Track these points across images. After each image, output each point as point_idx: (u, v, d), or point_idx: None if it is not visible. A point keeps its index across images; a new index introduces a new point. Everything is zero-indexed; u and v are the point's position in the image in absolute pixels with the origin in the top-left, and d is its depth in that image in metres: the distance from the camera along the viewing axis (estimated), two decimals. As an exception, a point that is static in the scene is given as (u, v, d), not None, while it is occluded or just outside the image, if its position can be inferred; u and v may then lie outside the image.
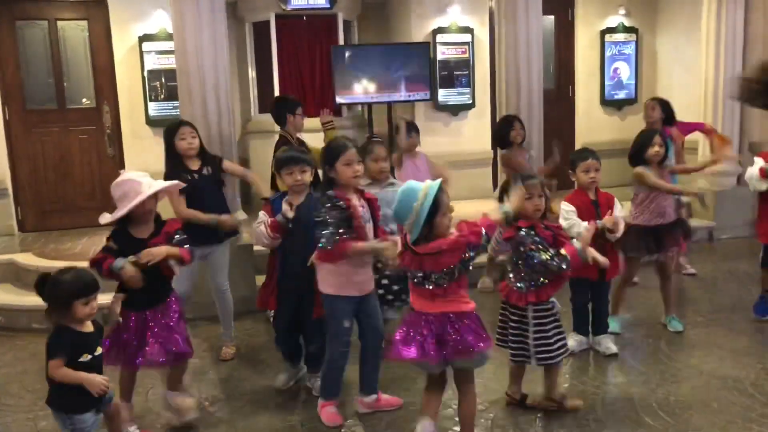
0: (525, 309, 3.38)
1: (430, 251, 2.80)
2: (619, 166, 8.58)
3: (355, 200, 3.34)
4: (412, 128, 5.17)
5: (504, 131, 5.50)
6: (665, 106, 5.52)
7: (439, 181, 2.85)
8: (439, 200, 2.78)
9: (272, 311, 4.19)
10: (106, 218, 3.20)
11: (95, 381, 2.70)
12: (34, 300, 5.19)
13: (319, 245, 3.25)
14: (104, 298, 2.92)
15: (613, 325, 4.45)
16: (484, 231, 2.83)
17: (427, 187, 2.79)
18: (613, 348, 4.16)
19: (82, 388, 2.70)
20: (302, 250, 3.48)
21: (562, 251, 3.30)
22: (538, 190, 3.41)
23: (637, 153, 4.41)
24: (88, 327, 2.81)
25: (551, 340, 3.38)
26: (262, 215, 3.64)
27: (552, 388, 3.50)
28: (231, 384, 4.04)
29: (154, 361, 3.22)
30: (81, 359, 2.72)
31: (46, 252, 6.18)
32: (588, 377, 3.91)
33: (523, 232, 3.35)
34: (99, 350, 2.81)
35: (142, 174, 3.27)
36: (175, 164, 4.20)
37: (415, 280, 2.91)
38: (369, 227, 3.38)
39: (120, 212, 3.14)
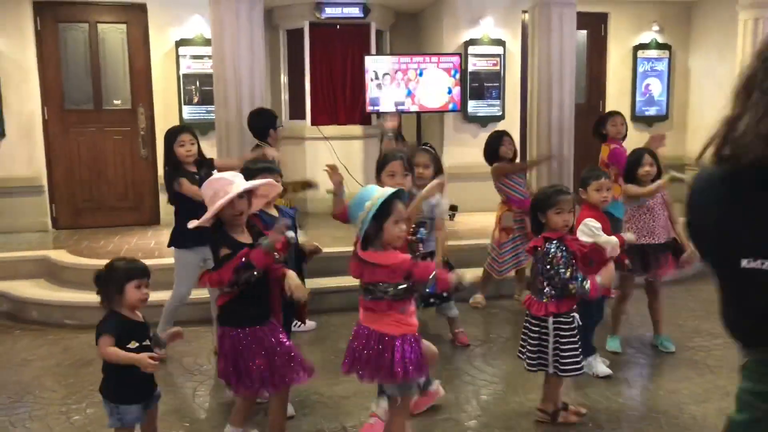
0: (545, 320, 3.37)
1: (369, 260, 2.78)
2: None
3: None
4: (399, 137, 5.17)
5: (494, 146, 5.44)
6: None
7: (396, 189, 2.83)
8: (391, 206, 2.75)
9: None
10: (194, 223, 2.99)
11: (144, 360, 2.72)
12: (67, 295, 5.39)
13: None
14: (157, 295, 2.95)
15: (613, 344, 4.46)
16: (432, 275, 2.80)
17: (383, 191, 2.78)
18: (607, 370, 4.10)
19: (132, 378, 2.76)
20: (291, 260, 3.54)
21: (586, 284, 3.29)
22: (569, 206, 3.39)
23: (628, 173, 4.41)
24: (138, 317, 2.88)
25: (569, 353, 3.37)
26: None
27: (551, 400, 3.50)
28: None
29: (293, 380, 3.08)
30: (129, 345, 2.77)
31: (79, 249, 6.31)
32: (585, 394, 3.90)
33: (553, 246, 3.34)
34: (147, 341, 2.85)
35: (235, 173, 3.08)
36: (175, 167, 4.25)
37: (360, 289, 2.91)
38: None
39: (209, 213, 2.91)
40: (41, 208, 7.37)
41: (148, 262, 5.95)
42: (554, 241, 3.34)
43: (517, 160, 5.55)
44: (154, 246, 6.46)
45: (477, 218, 7.43)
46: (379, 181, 3.35)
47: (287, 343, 3.09)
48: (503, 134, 5.51)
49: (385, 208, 2.74)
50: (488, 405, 3.78)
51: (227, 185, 2.89)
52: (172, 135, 4.31)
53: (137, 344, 2.79)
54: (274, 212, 3.59)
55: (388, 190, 2.79)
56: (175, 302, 4.46)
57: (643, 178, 4.33)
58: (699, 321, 5.06)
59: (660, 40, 8.72)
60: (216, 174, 3.11)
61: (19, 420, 3.64)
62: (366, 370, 2.81)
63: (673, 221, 4.42)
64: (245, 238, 2.96)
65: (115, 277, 2.82)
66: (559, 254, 3.30)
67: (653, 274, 4.40)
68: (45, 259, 6.02)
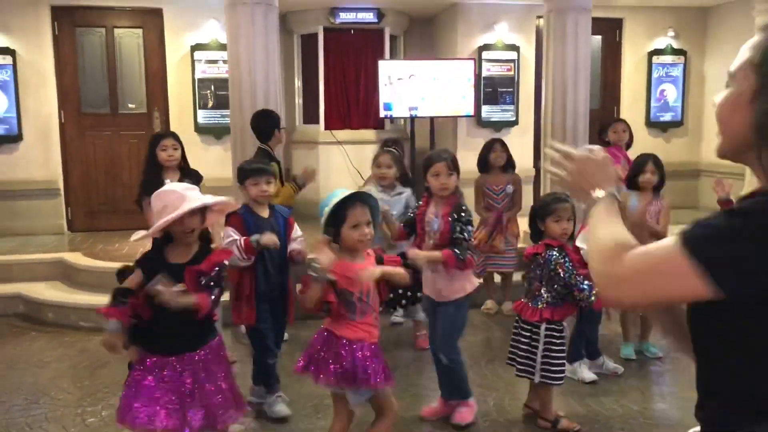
0: (538, 326, 3.41)
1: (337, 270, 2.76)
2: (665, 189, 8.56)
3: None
4: (393, 143, 5.20)
5: (484, 154, 5.43)
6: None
7: (348, 192, 2.80)
8: (345, 213, 2.74)
9: (243, 325, 3.91)
10: (138, 235, 2.76)
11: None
12: (82, 298, 5.44)
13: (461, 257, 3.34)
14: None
15: (627, 351, 4.48)
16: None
17: (340, 195, 2.77)
18: (592, 376, 4.12)
19: None
20: (279, 264, 3.60)
21: (593, 295, 3.29)
22: (567, 214, 3.41)
23: (630, 179, 4.39)
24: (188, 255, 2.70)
25: (556, 361, 3.42)
26: (231, 231, 3.46)
27: (545, 408, 3.53)
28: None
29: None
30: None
31: (94, 252, 6.36)
32: (600, 402, 3.88)
33: (554, 252, 3.37)
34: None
35: (191, 187, 2.78)
36: (152, 174, 4.26)
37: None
38: None
39: (155, 228, 2.61)
40: (57, 211, 7.44)
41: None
42: (555, 249, 3.37)
43: (513, 170, 5.50)
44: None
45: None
46: (425, 182, 3.45)
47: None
48: (494, 142, 5.51)
49: (340, 214, 2.75)
50: (484, 414, 3.74)
51: (178, 200, 2.60)
52: (155, 139, 4.39)
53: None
54: (265, 213, 3.63)
55: (343, 195, 2.77)
56: None
57: (643, 185, 4.32)
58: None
59: (675, 45, 8.67)
60: (168, 185, 2.92)
61: (36, 421, 3.68)
62: (320, 371, 2.78)
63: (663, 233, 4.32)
64: (184, 255, 2.66)
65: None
66: (562, 260, 3.34)
67: None
68: (61, 262, 6.08)
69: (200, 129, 7.53)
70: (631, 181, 4.37)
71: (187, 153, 4.46)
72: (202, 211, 2.69)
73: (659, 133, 8.78)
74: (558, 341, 3.42)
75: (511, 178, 5.43)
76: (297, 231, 3.76)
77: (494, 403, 3.85)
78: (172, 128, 7.57)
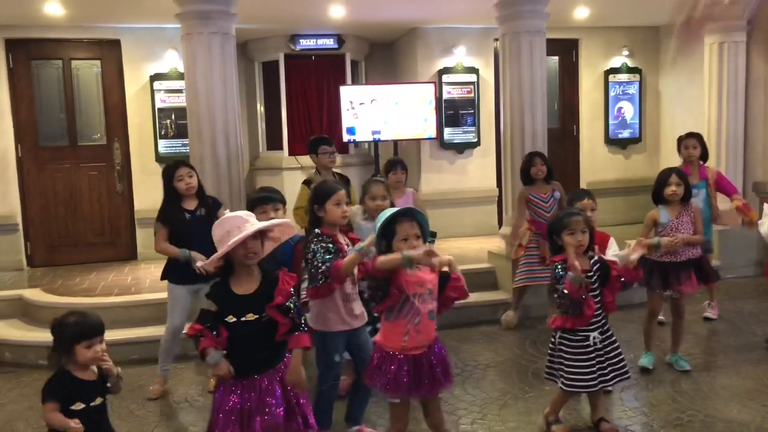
0: (555, 332, 3.60)
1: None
2: (624, 205, 8.72)
3: (341, 239, 3.42)
4: (398, 165, 5.17)
5: (524, 168, 5.58)
6: (702, 141, 5.58)
7: (398, 209, 3.05)
8: (395, 228, 2.96)
9: None
10: (200, 263, 2.86)
11: (70, 427, 2.59)
12: (41, 336, 5.31)
13: (310, 283, 3.32)
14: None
15: (645, 360, 4.57)
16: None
17: (390, 212, 3.00)
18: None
19: None
20: None
21: (578, 310, 3.43)
22: (581, 226, 3.49)
23: (655, 193, 4.49)
24: (90, 375, 2.75)
25: (569, 369, 3.48)
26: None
27: (554, 410, 3.67)
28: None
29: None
30: (73, 407, 2.65)
31: (54, 288, 6.23)
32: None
33: (558, 266, 3.50)
34: (98, 400, 2.74)
35: (248, 213, 2.93)
36: (171, 203, 4.31)
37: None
38: None
39: (219, 252, 2.73)
40: (16, 246, 7.28)
41: (125, 298, 5.93)
42: (559, 263, 3.52)
43: (554, 182, 5.61)
44: (131, 282, 6.40)
45: (455, 244, 7.46)
46: (321, 209, 3.40)
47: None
48: (533, 156, 5.59)
49: (391, 229, 2.96)
50: (468, 435, 3.75)
51: (242, 223, 2.75)
52: (169, 170, 4.36)
53: (83, 405, 2.67)
54: None
55: (394, 210, 3.04)
56: (168, 335, 4.45)
57: (669, 198, 4.40)
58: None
59: (630, 64, 8.87)
60: (228, 213, 3.00)
61: (-10, 467, 3.56)
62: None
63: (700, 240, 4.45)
64: (249, 286, 2.78)
65: (64, 338, 2.67)
66: (563, 273, 3.46)
67: (676, 290, 4.45)
68: (19, 299, 5.92)
69: (161, 158, 7.45)
70: (657, 196, 4.46)
71: (149, 183, 4.51)
72: (262, 237, 2.81)
73: (618, 150, 8.94)
74: (570, 349, 3.50)
75: (555, 185, 5.56)
76: None
77: (471, 423, 3.84)
78: (133, 159, 7.54)
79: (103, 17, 6.94)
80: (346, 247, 3.39)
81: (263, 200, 3.62)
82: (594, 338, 3.48)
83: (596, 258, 3.56)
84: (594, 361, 3.49)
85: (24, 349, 5.26)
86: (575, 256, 3.43)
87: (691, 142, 5.54)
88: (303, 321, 2.83)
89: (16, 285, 6.44)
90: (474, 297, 5.53)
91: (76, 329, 2.69)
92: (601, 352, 3.49)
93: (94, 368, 2.77)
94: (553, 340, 3.64)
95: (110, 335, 5.23)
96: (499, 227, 6.97)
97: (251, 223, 2.77)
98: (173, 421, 4.15)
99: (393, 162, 5.23)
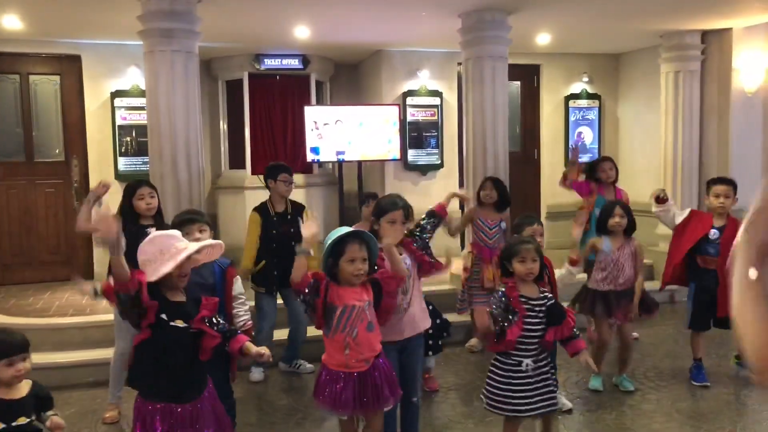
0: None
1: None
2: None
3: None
4: (371, 198, 5.13)
5: (478, 189, 5.59)
6: (615, 165, 5.91)
7: (349, 229, 3.07)
8: (344, 248, 2.99)
9: None
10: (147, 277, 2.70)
11: None
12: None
13: None
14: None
15: (596, 382, 4.69)
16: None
17: (341, 231, 3.04)
18: (568, 404, 4.33)
19: None
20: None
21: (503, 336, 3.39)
22: (531, 255, 3.46)
23: (600, 222, 4.65)
24: (14, 393, 2.68)
25: (495, 390, 3.44)
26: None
27: None
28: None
29: None
30: None
31: (6, 308, 6.04)
32: None
33: (499, 292, 3.47)
34: (22, 420, 2.64)
35: (177, 232, 2.94)
36: (129, 220, 4.18)
37: None
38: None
39: (159, 272, 2.67)
40: (-34, 265, 7.06)
41: (79, 319, 5.77)
42: (500, 291, 3.50)
43: (505, 214, 5.61)
44: (86, 302, 6.23)
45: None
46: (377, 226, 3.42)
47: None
48: (486, 179, 5.57)
49: (339, 249, 2.95)
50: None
51: (175, 242, 2.74)
52: (131, 188, 4.26)
53: (3, 425, 2.58)
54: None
55: (346, 230, 3.01)
56: (117, 358, 4.32)
57: (612, 228, 4.55)
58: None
59: (590, 90, 9.08)
60: (155, 231, 2.97)
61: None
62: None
63: (637, 273, 4.62)
64: (180, 297, 2.80)
65: None
66: (496, 301, 3.44)
67: (619, 318, 4.62)
68: (-32, 319, 5.73)
69: (121, 176, 7.33)
70: (602, 226, 4.59)
71: (109, 201, 4.35)
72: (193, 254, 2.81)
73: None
74: (500, 371, 3.46)
75: (505, 217, 5.59)
76: (238, 287, 3.60)
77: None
78: (92, 176, 7.39)
79: (64, 32, 6.83)
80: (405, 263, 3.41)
81: (188, 221, 3.52)
82: (526, 365, 3.42)
83: (550, 297, 3.52)
84: (521, 388, 3.42)
85: (-29, 372, 5.07)
86: (521, 284, 3.45)
87: (607, 165, 5.84)
88: (232, 329, 2.92)
89: (-34, 305, 6.24)
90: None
91: None
92: (531, 381, 3.42)
93: (22, 386, 2.70)
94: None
95: (64, 357, 5.12)
96: (461, 248, 7.00)
97: (183, 241, 2.79)
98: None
99: (369, 196, 5.29)
